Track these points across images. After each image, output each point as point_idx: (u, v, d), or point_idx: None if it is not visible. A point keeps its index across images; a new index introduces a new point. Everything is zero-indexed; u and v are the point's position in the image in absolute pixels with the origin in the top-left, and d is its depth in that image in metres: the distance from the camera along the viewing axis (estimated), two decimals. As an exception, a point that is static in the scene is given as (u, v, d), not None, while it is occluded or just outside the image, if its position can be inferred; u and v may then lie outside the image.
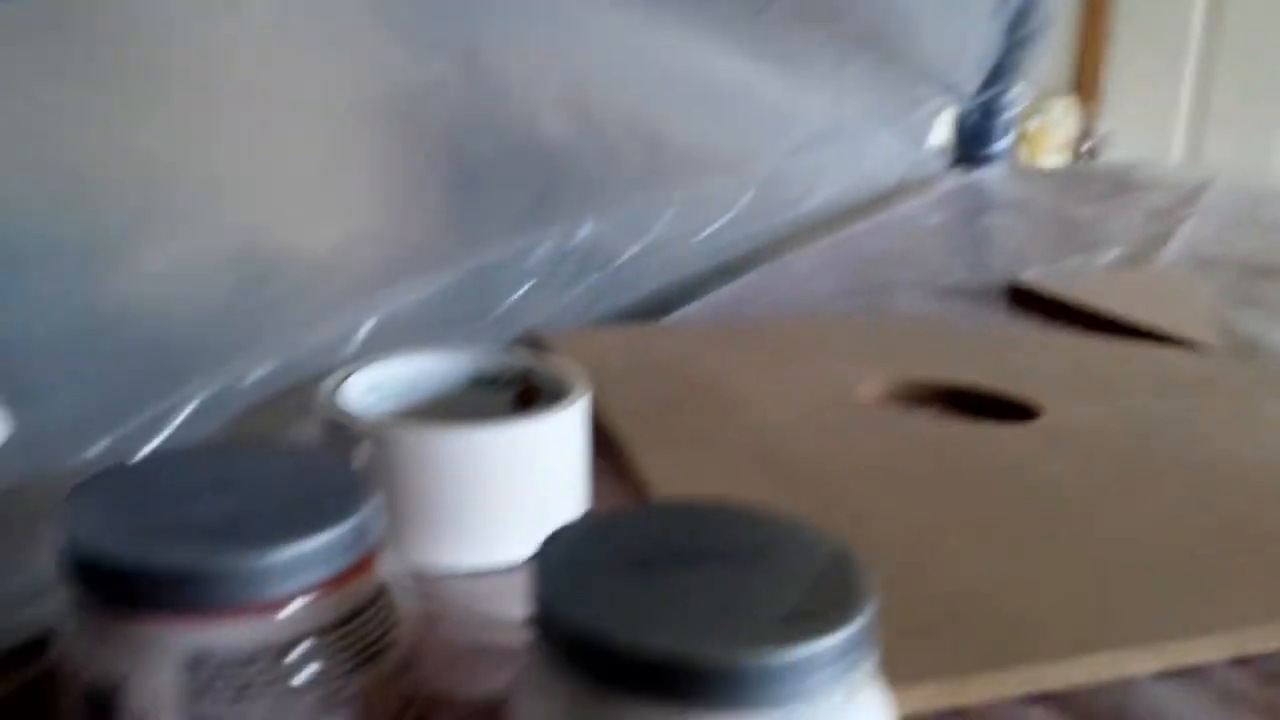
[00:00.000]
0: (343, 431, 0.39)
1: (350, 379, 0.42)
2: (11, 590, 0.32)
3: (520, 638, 0.35)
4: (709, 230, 0.87)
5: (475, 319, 0.56)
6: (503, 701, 0.27)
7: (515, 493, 0.40)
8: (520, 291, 0.58)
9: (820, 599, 0.24)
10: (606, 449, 0.50)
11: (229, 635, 0.26)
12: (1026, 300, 0.80)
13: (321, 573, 0.27)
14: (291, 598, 0.27)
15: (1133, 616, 0.35)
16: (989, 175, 1.28)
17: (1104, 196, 1.17)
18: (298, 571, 0.26)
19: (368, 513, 0.28)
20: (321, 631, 0.27)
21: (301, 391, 0.43)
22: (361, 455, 0.38)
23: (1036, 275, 0.86)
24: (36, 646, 0.32)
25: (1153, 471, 0.47)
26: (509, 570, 0.39)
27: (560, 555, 0.26)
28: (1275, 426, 0.53)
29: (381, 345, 0.48)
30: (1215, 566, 0.39)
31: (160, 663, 0.26)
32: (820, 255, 0.92)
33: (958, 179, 1.25)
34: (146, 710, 0.26)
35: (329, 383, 0.41)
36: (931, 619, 0.35)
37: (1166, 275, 0.88)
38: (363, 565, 0.28)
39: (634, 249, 0.73)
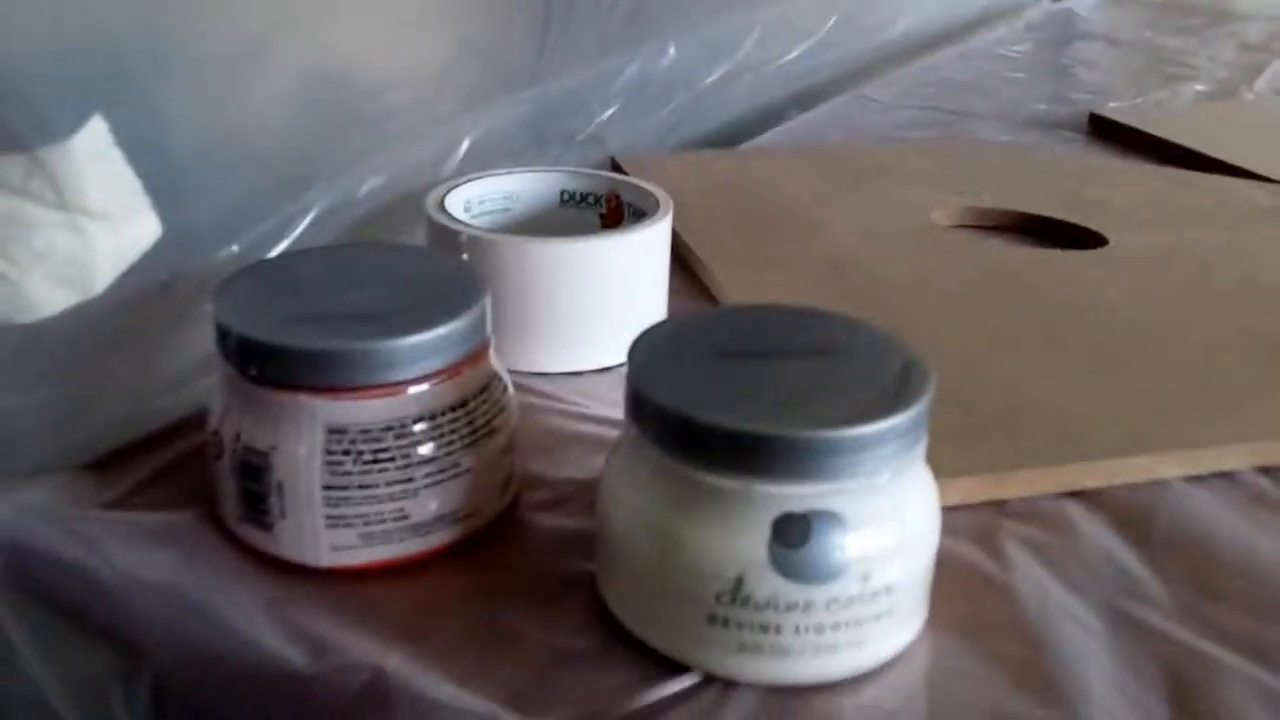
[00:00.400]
0: (448, 240, 0.42)
1: (452, 193, 0.45)
2: (168, 372, 0.37)
3: (605, 430, 0.39)
4: (791, 56, 0.87)
5: (563, 141, 0.58)
6: (596, 480, 0.31)
7: (602, 303, 0.43)
8: (606, 114, 0.60)
9: (879, 390, 0.28)
10: (685, 267, 0.53)
11: (363, 411, 0.30)
12: (1106, 132, 0.80)
13: (443, 360, 0.31)
14: (417, 381, 0.31)
15: (1169, 426, 0.38)
16: (1080, 3, 1.24)
17: (1198, 28, 1.14)
18: (423, 358, 0.30)
19: (482, 309, 0.32)
20: (440, 412, 0.31)
21: (408, 203, 0.47)
22: (467, 262, 0.42)
23: (1119, 107, 0.86)
24: (193, 421, 0.36)
25: (1208, 297, 0.49)
26: (596, 373, 0.43)
27: (651, 348, 0.29)
28: (1336, 259, 0.54)
29: (478, 164, 0.51)
30: (1254, 384, 0.41)
31: (305, 433, 0.30)
32: (902, 83, 0.92)
33: (1046, 7, 1.22)
34: (293, 473, 0.30)
35: (433, 195, 0.44)
36: (981, 423, 0.38)
37: (1249, 109, 0.87)
38: (477, 356, 0.32)
39: (717, 74, 0.74)
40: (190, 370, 0.37)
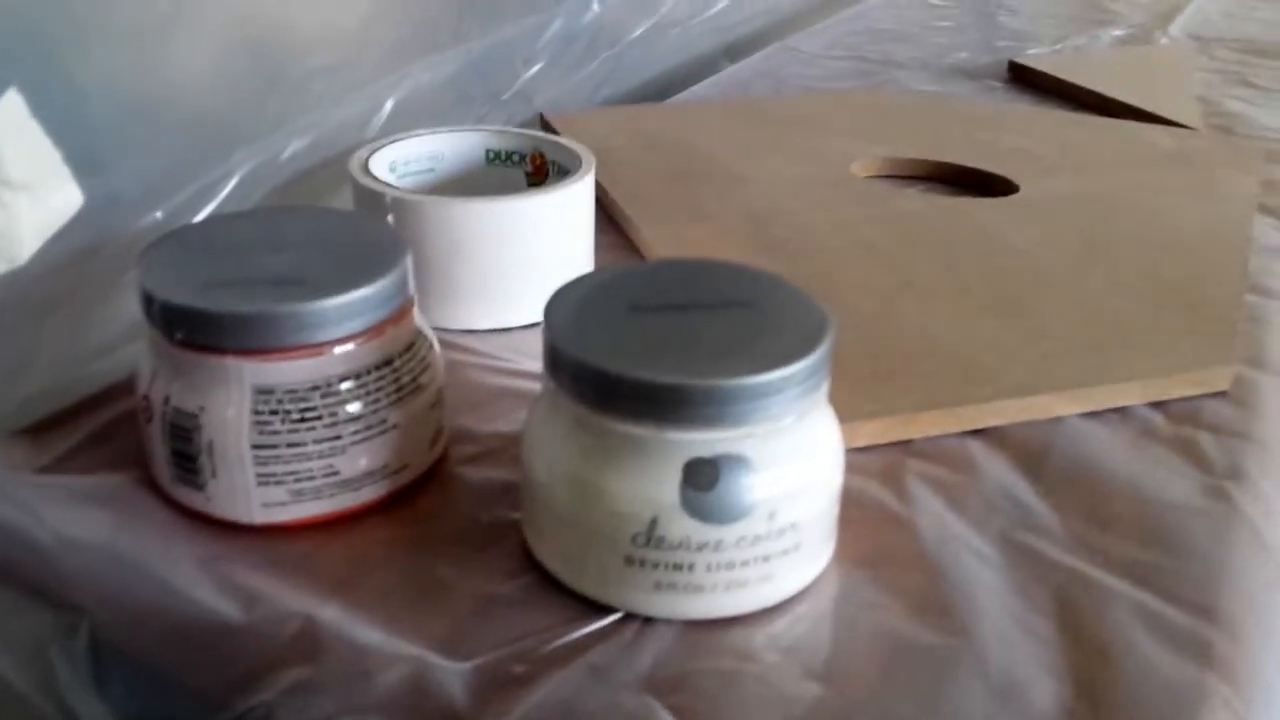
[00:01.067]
0: (373, 202, 0.43)
1: (376, 154, 0.46)
2: (96, 338, 0.37)
3: (531, 384, 0.40)
4: (719, 7, 0.88)
5: (488, 100, 0.59)
6: (519, 432, 0.32)
7: (527, 260, 0.44)
8: (531, 71, 0.61)
9: (782, 339, 0.29)
10: (612, 222, 0.54)
11: (289, 371, 0.31)
12: (1025, 79, 0.82)
13: (366, 320, 0.32)
14: (341, 341, 0.32)
15: (1068, 366, 0.40)
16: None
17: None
18: (347, 318, 0.31)
19: (404, 269, 0.33)
20: (366, 371, 0.32)
21: (332, 165, 0.47)
22: (390, 224, 0.43)
23: (1037, 54, 0.87)
24: (124, 387, 0.37)
25: (1111, 240, 0.51)
26: (523, 329, 0.44)
27: (567, 304, 0.31)
28: (1231, 199, 0.56)
29: (403, 125, 0.51)
30: (1150, 323, 0.43)
31: (233, 394, 0.31)
32: (830, 33, 0.93)
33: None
34: (222, 434, 0.31)
35: (357, 157, 0.45)
36: (889, 367, 0.40)
37: (1161, 54, 0.89)
38: (400, 315, 0.33)
39: (643, 27, 0.75)
40: (119, 336, 0.38)
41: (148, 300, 0.31)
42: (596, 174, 0.47)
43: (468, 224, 0.43)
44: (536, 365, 0.42)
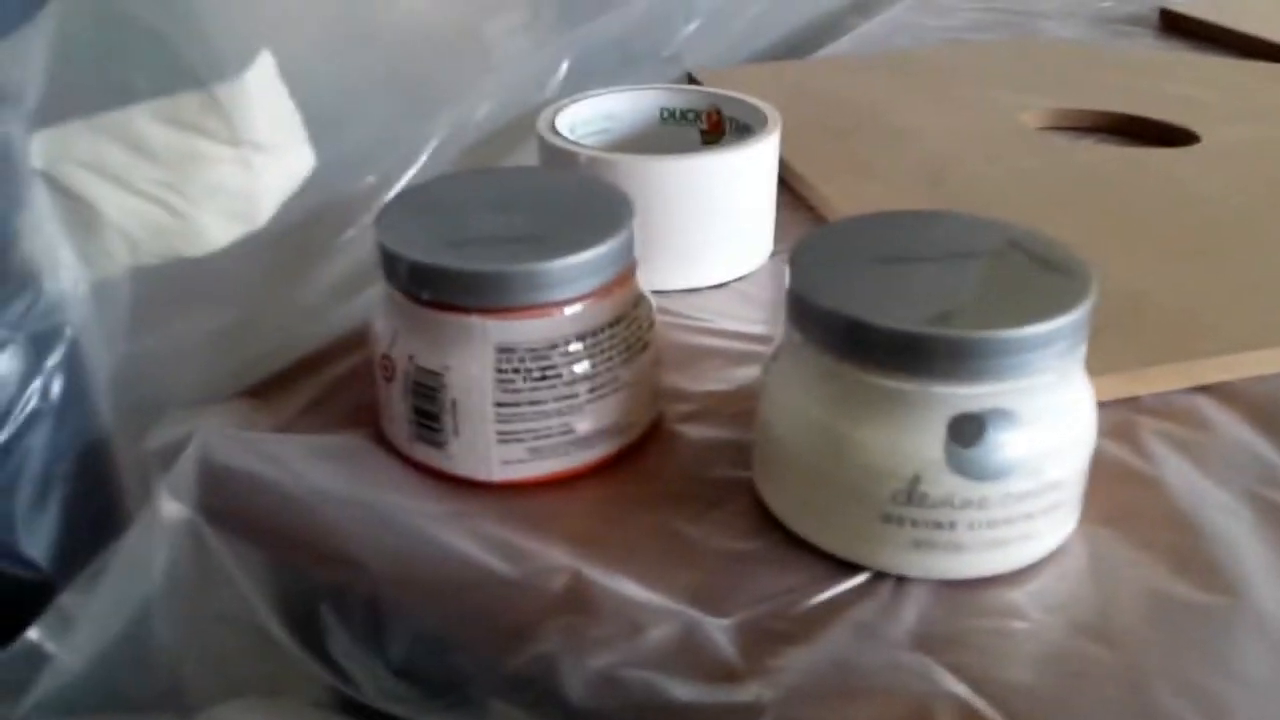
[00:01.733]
0: (564, 161, 0.43)
1: (559, 114, 0.46)
2: (311, 300, 0.38)
3: (734, 344, 0.40)
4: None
5: (649, 58, 0.58)
6: (734, 391, 0.32)
7: (717, 218, 0.44)
8: (691, 28, 0.60)
9: (1046, 291, 0.28)
10: (780, 180, 0.53)
11: (531, 330, 0.31)
12: (1178, 26, 0.79)
13: (602, 278, 0.32)
14: (577, 299, 0.31)
15: (1293, 319, 0.39)
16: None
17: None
18: (586, 275, 0.31)
19: (632, 228, 0.33)
20: (600, 329, 0.32)
21: (514, 128, 0.47)
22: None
23: (1185, 1, 0.84)
24: (339, 346, 0.37)
25: (1311, 191, 0.49)
26: (712, 289, 0.44)
27: (811, 254, 0.30)
28: None
29: (577, 87, 0.51)
30: (1372, 276, 0.42)
31: (478, 352, 0.31)
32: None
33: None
34: (467, 392, 0.31)
35: (544, 117, 0.45)
36: (1106, 322, 0.39)
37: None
38: (629, 273, 0.33)
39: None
40: (332, 296, 0.38)
41: (391, 260, 0.31)
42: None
43: (664, 182, 0.42)
44: (735, 324, 0.42)
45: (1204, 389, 0.37)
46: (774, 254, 0.47)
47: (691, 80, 0.65)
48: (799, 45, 0.80)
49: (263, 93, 0.30)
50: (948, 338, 0.27)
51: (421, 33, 0.40)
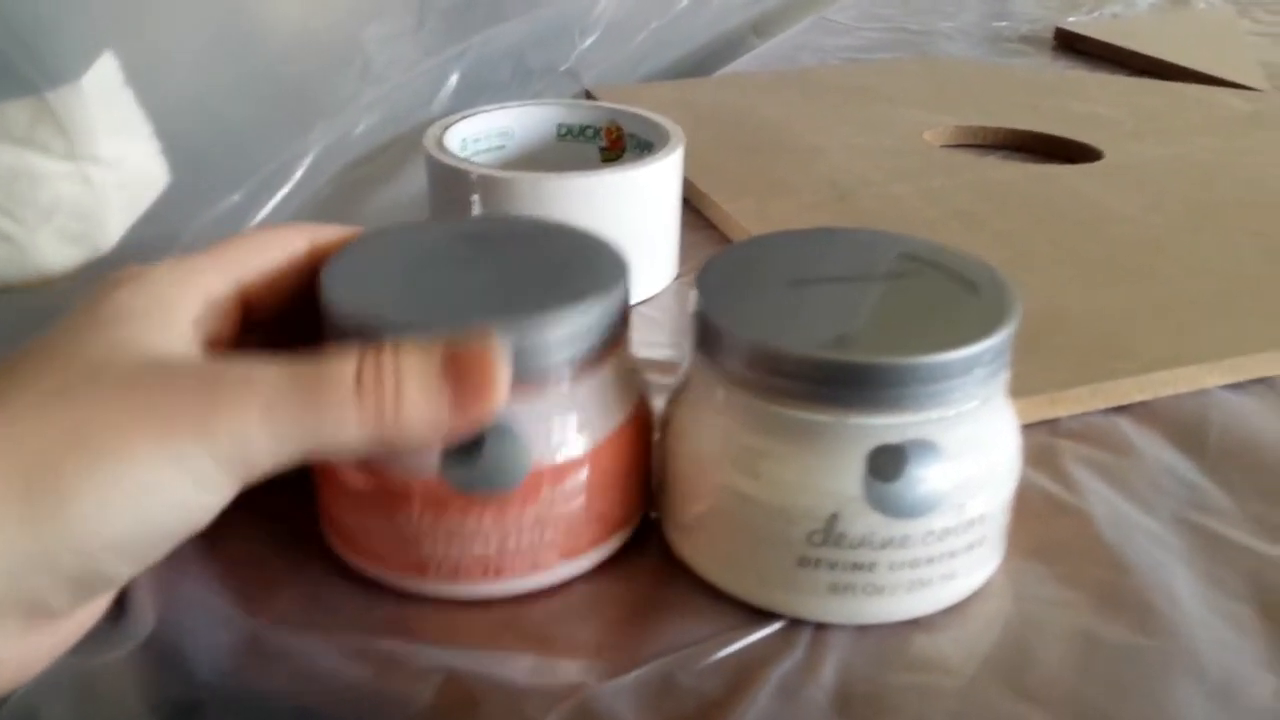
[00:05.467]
0: (453, 180, 0.40)
1: (448, 130, 0.43)
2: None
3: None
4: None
5: (545, 73, 0.56)
6: (659, 415, 0.29)
7: (620, 238, 0.41)
8: (587, 42, 0.58)
9: (967, 313, 0.26)
10: (684, 199, 0.51)
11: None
12: (1073, 45, 0.79)
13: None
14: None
15: (1207, 335, 0.38)
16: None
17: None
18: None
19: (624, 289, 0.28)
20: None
21: (402, 142, 0.44)
22: (474, 203, 0.40)
23: (1080, 20, 0.85)
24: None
25: (1214, 204, 0.48)
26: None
27: (718, 276, 0.28)
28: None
29: (468, 101, 0.49)
30: (1275, 286, 0.41)
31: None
32: (861, 4, 0.90)
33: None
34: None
35: (432, 134, 0.42)
36: (1021, 340, 0.37)
37: (1209, 18, 0.87)
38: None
39: (684, 2, 0.72)
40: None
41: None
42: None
43: (562, 201, 0.40)
44: (638, 350, 0.39)
45: (1123, 409, 0.36)
46: (678, 276, 0.45)
47: (589, 98, 0.63)
48: (699, 64, 0.78)
49: (104, 99, 0.27)
50: (864, 364, 0.25)
51: (295, 37, 0.37)
